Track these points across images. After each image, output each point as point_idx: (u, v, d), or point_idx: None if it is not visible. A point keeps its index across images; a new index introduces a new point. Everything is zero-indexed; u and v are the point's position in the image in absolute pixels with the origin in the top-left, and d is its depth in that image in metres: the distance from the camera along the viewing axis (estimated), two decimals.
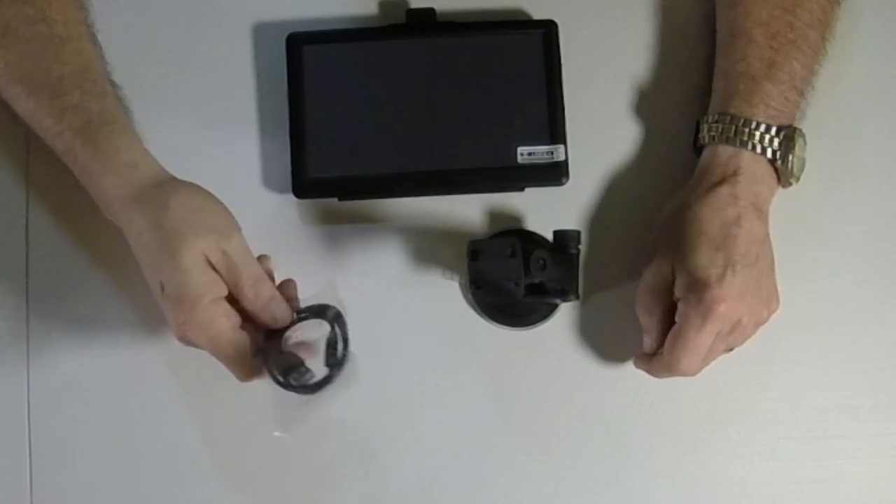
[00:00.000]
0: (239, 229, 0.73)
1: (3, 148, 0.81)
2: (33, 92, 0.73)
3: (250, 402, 0.78)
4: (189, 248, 0.69)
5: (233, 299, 0.71)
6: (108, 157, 0.72)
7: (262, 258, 0.74)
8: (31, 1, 0.74)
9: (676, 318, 0.73)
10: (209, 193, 0.73)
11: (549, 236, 0.76)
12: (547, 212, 0.80)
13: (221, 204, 0.73)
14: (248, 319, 0.72)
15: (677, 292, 0.73)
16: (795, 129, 0.75)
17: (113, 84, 0.76)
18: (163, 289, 0.69)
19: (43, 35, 0.74)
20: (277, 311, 0.72)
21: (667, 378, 0.75)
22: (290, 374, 0.70)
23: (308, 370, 0.71)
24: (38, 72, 0.73)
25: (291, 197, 0.79)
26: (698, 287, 0.71)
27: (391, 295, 0.80)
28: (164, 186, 0.72)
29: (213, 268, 0.70)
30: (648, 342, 0.76)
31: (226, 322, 0.70)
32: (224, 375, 0.77)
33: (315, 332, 0.73)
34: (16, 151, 0.80)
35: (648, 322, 0.75)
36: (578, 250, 0.75)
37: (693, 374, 0.74)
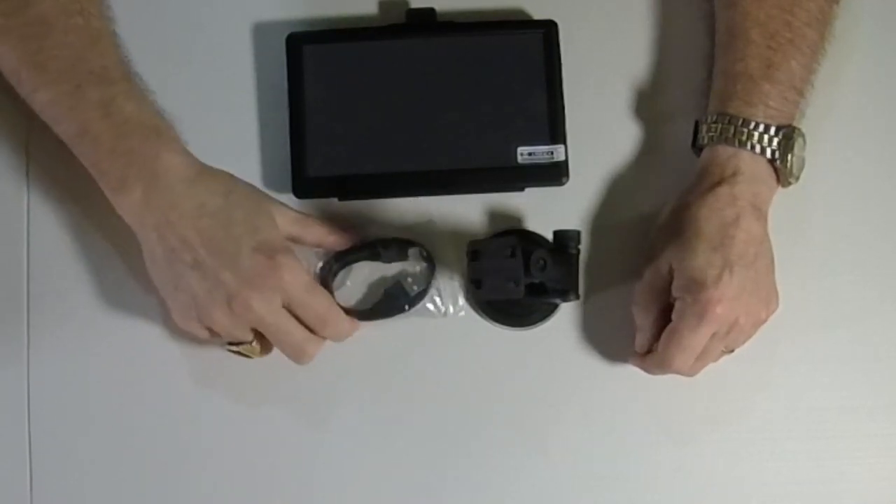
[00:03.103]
0: None
1: (3, 147, 0.81)
2: (67, 80, 0.72)
3: (251, 401, 0.78)
4: (276, 205, 0.76)
5: None
6: (171, 137, 0.74)
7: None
8: None
9: (672, 317, 0.73)
10: None
11: (549, 236, 0.76)
12: (547, 212, 0.80)
13: None
14: None
15: (674, 292, 0.73)
16: (795, 128, 0.75)
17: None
18: (260, 245, 0.71)
19: (80, 27, 0.74)
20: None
21: (662, 375, 0.75)
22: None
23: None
24: (79, 62, 0.73)
25: (291, 197, 0.79)
26: (695, 287, 0.71)
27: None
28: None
29: None
30: (641, 340, 0.76)
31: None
32: (224, 374, 0.77)
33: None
34: (16, 151, 0.81)
35: (643, 320, 0.75)
36: (578, 250, 0.75)
37: (689, 374, 0.74)
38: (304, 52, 0.80)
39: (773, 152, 0.74)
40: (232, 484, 0.78)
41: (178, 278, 0.72)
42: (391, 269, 0.80)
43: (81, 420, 0.78)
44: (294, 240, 0.77)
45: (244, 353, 0.75)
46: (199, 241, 0.71)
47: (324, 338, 0.76)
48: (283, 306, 0.73)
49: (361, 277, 0.80)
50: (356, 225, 0.80)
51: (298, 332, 0.74)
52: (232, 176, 0.74)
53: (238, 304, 0.71)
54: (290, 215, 0.77)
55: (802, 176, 0.76)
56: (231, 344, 0.74)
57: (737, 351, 0.75)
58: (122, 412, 0.78)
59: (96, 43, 0.74)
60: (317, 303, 0.74)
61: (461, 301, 0.79)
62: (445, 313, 0.79)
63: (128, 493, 0.78)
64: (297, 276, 0.72)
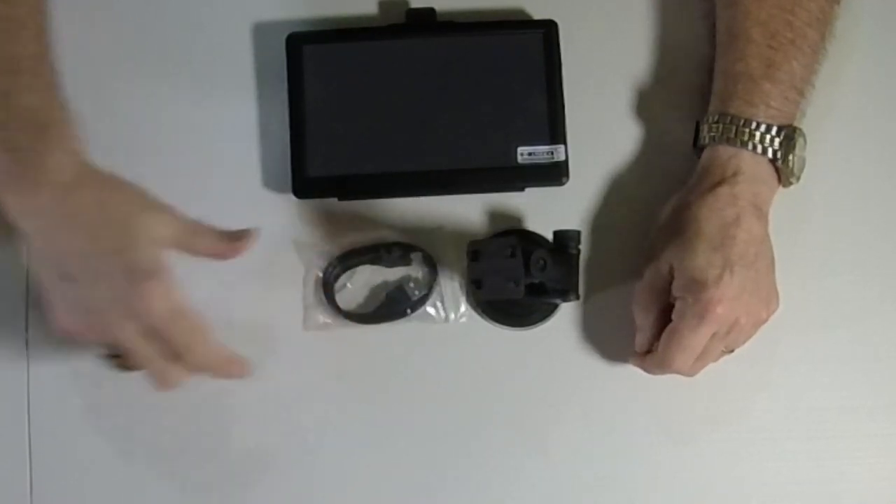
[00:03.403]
0: None
1: None
2: None
3: (252, 402, 0.78)
4: (160, 215, 0.70)
5: None
6: (62, 135, 0.69)
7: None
8: None
9: (673, 317, 0.73)
10: None
11: (549, 236, 0.76)
12: (547, 212, 0.80)
13: None
14: None
15: (675, 291, 0.73)
16: (796, 128, 0.75)
17: (59, 80, 0.73)
18: (125, 267, 0.67)
19: (2, 14, 0.70)
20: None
21: (662, 375, 0.75)
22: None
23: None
24: None
25: (291, 197, 0.79)
26: (696, 288, 0.71)
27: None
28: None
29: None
30: (641, 340, 0.76)
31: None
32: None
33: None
34: None
35: (643, 320, 0.75)
36: (578, 250, 0.75)
37: (689, 374, 0.74)
38: (304, 52, 0.80)
39: (774, 152, 0.74)
40: (232, 484, 0.78)
41: (50, 281, 0.70)
42: (393, 273, 0.80)
43: (81, 420, 0.78)
44: (183, 249, 0.71)
45: (114, 365, 0.74)
46: (67, 252, 0.69)
47: (193, 367, 0.71)
48: (146, 331, 0.69)
49: (363, 281, 0.80)
50: (351, 226, 0.80)
51: (157, 359, 0.70)
52: (116, 184, 0.70)
53: (97, 323, 0.69)
54: (177, 225, 0.71)
55: (802, 176, 0.76)
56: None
57: (737, 351, 0.75)
58: (122, 412, 0.78)
59: (12, 31, 0.71)
60: (178, 330, 0.69)
61: (463, 308, 0.79)
62: (447, 319, 0.79)
63: (128, 493, 0.78)
64: (160, 302, 0.68)
